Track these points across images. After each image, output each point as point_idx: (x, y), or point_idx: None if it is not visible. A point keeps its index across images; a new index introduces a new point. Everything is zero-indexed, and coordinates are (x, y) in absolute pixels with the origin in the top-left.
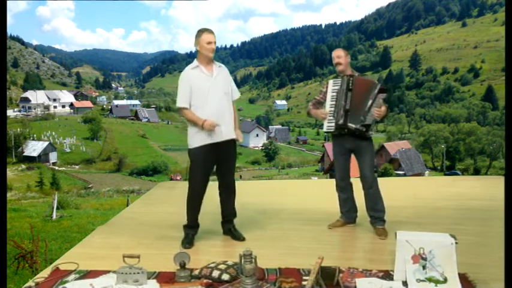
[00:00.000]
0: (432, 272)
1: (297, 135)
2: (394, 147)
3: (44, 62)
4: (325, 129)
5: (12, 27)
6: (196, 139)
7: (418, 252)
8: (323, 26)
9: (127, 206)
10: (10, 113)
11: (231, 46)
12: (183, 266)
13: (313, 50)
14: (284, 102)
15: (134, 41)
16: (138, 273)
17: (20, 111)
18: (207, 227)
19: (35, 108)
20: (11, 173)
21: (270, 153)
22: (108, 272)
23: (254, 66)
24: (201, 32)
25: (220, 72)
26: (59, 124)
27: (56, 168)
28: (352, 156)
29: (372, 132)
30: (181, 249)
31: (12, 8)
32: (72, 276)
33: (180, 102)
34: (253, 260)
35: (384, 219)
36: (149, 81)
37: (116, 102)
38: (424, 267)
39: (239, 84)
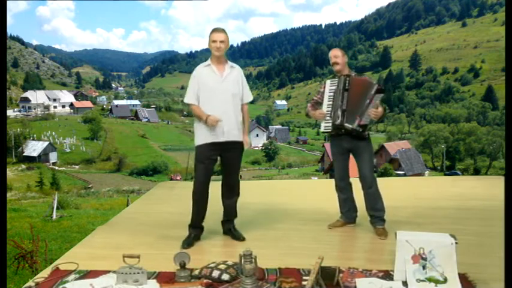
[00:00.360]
0: (432, 272)
1: (297, 135)
2: (394, 147)
3: (44, 62)
4: (322, 129)
5: (12, 27)
6: (200, 136)
7: (418, 252)
8: (323, 26)
9: (127, 206)
10: (10, 113)
11: (231, 46)
12: (183, 266)
13: (313, 50)
14: (284, 102)
15: (134, 41)
16: (138, 273)
17: (20, 111)
18: (207, 227)
19: (35, 108)
20: (11, 173)
21: (270, 153)
22: (108, 272)
23: (254, 66)
24: (211, 31)
25: (232, 73)
26: (59, 124)
27: (56, 168)
28: (352, 156)
29: (371, 132)
30: (181, 249)
31: (12, 8)
32: (72, 276)
33: (188, 98)
34: (253, 260)
35: (383, 218)
36: (149, 81)
37: (116, 102)
38: (424, 267)
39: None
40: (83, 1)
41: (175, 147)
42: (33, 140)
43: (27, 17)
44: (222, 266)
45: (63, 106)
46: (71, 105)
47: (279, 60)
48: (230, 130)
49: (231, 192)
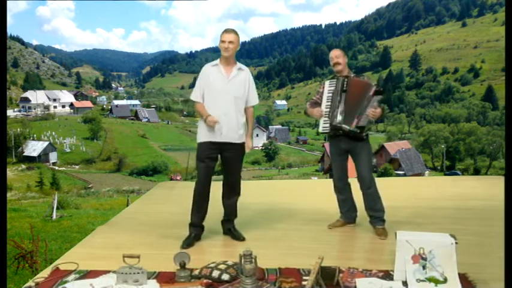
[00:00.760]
0: (432, 272)
1: (297, 135)
2: (394, 147)
3: (44, 62)
4: (320, 129)
5: (12, 27)
6: (201, 135)
7: (418, 252)
8: (323, 26)
9: (127, 206)
10: (10, 113)
11: None
12: (183, 266)
13: (313, 50)
14: (284, 102)
15: (134, 41)
16: (138, 273)
17: (20, 111)
18: (207, 227)
19: (35, 108)
20: (11, 173)
21: (270, 153)
22: (108, 272)
23: (254, 66)
24: (222, 31)
25: (239, 75)
26: (59, 124)
27: (56, 168)
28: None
29: (371, 132)
30: (181, 249)
31: (12, 8)
32: (72, 276)
33: (193, 96)
34: (253, 260)
35: (383, 219)
36: (149, 81)
37: (116, 102)
38: (424, 267)
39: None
40: (83, 1)
41: (175, 147)
42: (33, 140)
43: (27, 17)
44: (222, 266)
45: (63, 106)
46: (71, 105)
47: (279, 60)
48: (230, 131)
49: (231, 192)
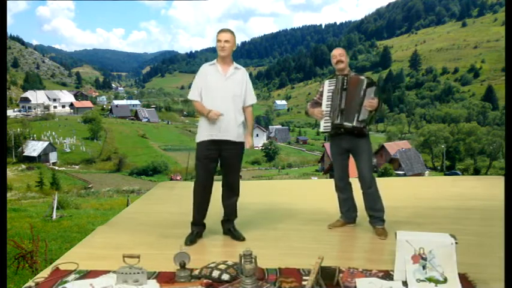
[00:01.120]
0: (432, 272)
1: (297, 135)
2: (394, 147)
3: (44, 62)
4: (321, 129)
5: (12, 27)
6: (200, 134)
7: (418, 252)
8: (323, 26)
9: (127, 206)
10: (10, 113)
11: None
12: (183, 266)
13: (313, 50)
14: (284, 102)
15: (134, 41)
16: (138, 273)
17: (20, 111)
18: (207, 227)
19: (35, 108)
20: (11, 173)
21: (270, 153)
22: (108, 272)
23: (254, 66)
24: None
25: (236, 74)
26: (59, 124)
27: (56, 168)
28: (351, 156)
29: (371, 132)
30: (181, 249)
31: (12, 8)
32: (72, 276)
33: (191, 95)
34: (253, 260)
35: (383, 219)
36: (149, 81)
37: (116, 102)
38: (424, 267)
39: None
40: (83, 1)
41: (175, 147)
42: (33, 140)
43: (27, 17)
44: (222, 266)
45: (63, 106)
46: (71, 105)
47: (279, 60)
48: (228, 129)
49: (230, 193)
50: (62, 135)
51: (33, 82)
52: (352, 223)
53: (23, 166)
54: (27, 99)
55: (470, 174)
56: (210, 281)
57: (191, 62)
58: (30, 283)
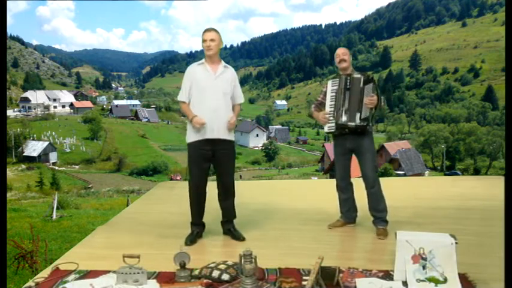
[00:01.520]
0: (432, 272)
1: (297, 135)
2: (394, 147)
3: (44, 62)
4: (326, 129)
5: (12, 27)
6: (190, 134)
7: (418, 252)
8: (323, 26)
9: (127, 206)
10: (10, 113)
11: (231, 46)
12: (183, 266)
13: (313, 50)
14: (284, 102)
15: (134, 41)
16: (138, 273)
17: (20, 111)
18: (207, 227)
19: (35, 108)
20: (11, 173)
21: (270, 153)
22: (108, 272)
23: (254, 66)
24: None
25: (225, 73)
26: (59, 124)
27: (56, 168)
28: (354, 156)
29: (372, 125)
30: (181, 249)
31: (12, 8)
32: (72, 276)
33: (180, 96)
34: (253, 260)
35: (386, 219)
36: (149, 81)
37: (116, 102)
38: (424, 267)
39: (239, 84)
40: (83, 1)
41: (175, 147)
42: (33, 140)
43: (27, 17)
44: (222, 266)
45: (63, 106)
46: (71, 105)
47: (279, 60)
48: (220, 128)
49: (226, 194)
50: (62, 135)
51: (33, 82)
52: (352, 223)
53: (23, 166)
54: (27, 99)
55: (470, 174)
56: (210, 281)
57: (191, 62)
58: (30, 283)
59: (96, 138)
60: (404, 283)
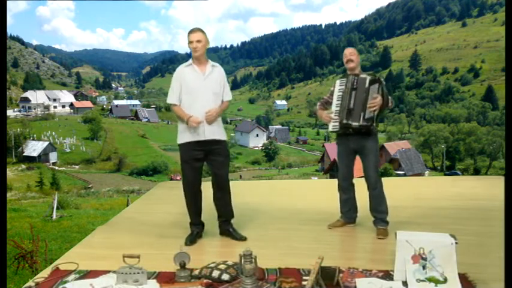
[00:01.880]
0: (432, 272)
1: (297, 135)
2: (394, 147)
3: (44, 62)
4: (330, 128)
5: (12, 27)
6: (182, 136)
7: (418, 252)
8: (323, 26)
9: (127, 206)
10: (10, 113)
11: (231, 46)
12: (183, 266)
13: (313, 50)
14: (284, 102)
15: (134, 41)
16: (138, 273)
17: (20, 111)
18: (206, 227)
19: (35, 108)
20: (11, 173)
21: (270, 153)
22: (108, 272)
23: (254, 66)
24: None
25: (213, 72)
26: (59, 124)
27: (56, 168)
28: (357, 156)
29: (377, 126)
30: (181, 249)
31: (12, 8)
32: (72, 276)
33: (170, 99)
34: (253, 260)
35: (386, 220)
36: (149, 81)
37: (116, 102)
38: (424, 267)
39: (239, 84)
40: (83, 1)
41: (175, 147)
42: (33, 140)
43: (27, 17)
44: (222, 266)
45: (63, 106)
46: (71, 105)
47: (279, 60)
48: (212, 129)
49: (221, 192)
50: (62, 135)
51: (33, 82)
52: (352, 223)
53: (23, 166)
54: (27, 99)
55: (470, 174)
56: (210, 281)
57: None
58: (30, 283)
59: (96, 138)
60: (404, 283)
